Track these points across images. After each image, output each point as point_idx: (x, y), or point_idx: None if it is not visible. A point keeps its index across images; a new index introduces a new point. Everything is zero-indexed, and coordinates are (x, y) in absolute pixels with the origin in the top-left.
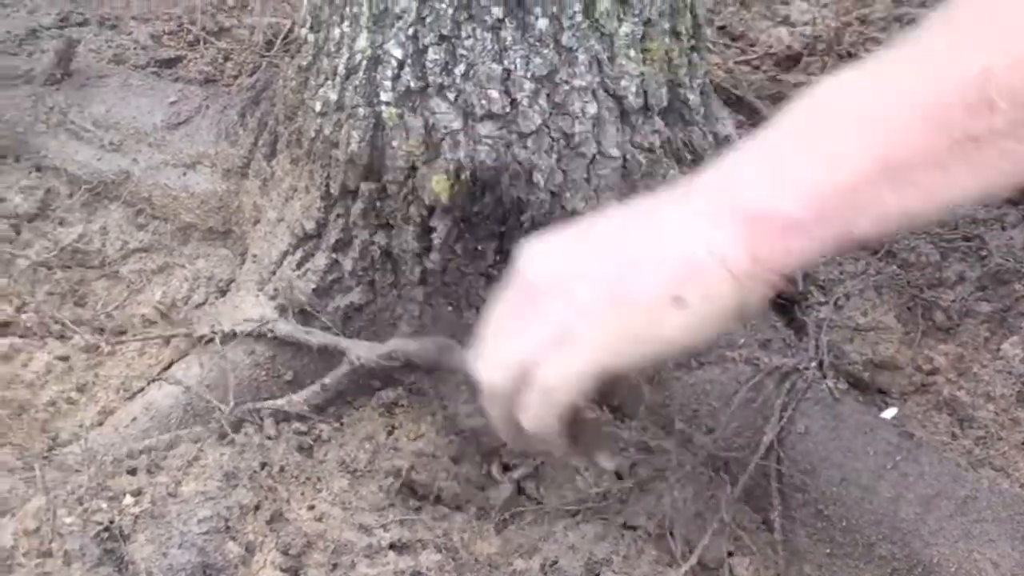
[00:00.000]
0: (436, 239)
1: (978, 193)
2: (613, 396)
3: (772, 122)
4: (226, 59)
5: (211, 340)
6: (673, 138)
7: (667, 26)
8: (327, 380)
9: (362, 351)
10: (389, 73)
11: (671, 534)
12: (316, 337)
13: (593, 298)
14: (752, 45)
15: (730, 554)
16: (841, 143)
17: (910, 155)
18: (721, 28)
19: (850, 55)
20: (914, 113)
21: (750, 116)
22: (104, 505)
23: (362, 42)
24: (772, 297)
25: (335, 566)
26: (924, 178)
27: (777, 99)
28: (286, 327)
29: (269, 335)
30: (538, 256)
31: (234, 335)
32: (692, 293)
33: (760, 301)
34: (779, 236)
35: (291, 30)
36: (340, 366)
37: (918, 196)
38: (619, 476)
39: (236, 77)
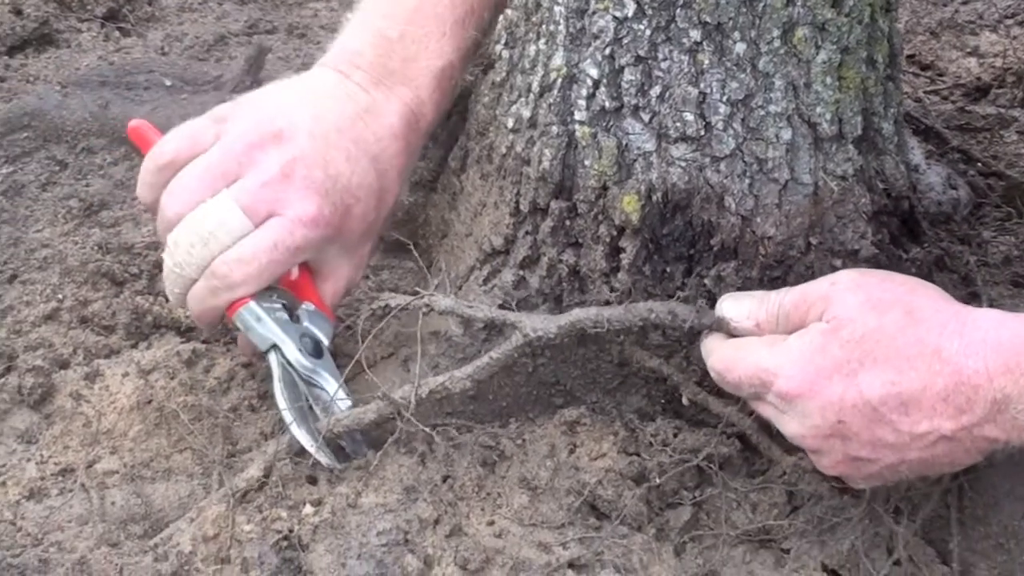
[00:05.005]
0: (624, 260)
1: None
2: None
3: None
4: None
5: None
6: (866, 166)
7: (864, 54)
8: (495, 353)
9: (537, 323)
10: (584, 92)
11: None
12: (480, 311)
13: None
14: (941, 75)
15: None
16: None
17: None
18: (910, 57)
19: None
20: None
21: (938, 146)
22: (284, 514)
23: (558, 60)
24: None
25: None
26: None
27: (965, 129)
28: (446, 302)
29: (425, 310)
30: (843, 413)
31: (388, 308)
32: None
33: None
34: None
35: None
36: (509, 340)
37: None
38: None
39: None
